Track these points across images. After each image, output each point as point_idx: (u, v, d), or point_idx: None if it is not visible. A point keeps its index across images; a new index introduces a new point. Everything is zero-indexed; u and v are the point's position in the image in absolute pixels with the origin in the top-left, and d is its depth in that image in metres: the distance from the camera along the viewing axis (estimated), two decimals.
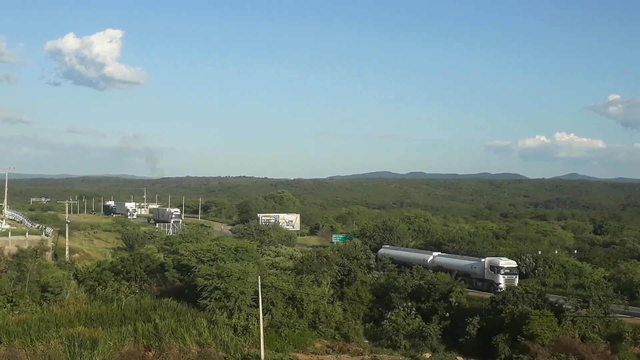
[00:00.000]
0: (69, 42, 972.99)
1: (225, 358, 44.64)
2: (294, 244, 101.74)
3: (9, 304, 51.33)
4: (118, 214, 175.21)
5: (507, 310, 48.69)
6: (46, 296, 54.06)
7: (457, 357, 48.13)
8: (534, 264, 73.78)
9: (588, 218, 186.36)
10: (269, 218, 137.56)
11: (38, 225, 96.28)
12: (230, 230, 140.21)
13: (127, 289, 55.51)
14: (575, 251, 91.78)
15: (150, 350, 44.76)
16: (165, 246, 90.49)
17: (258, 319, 45.70)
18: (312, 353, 47.51)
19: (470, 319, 49.82)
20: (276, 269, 64.05)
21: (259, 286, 46.54)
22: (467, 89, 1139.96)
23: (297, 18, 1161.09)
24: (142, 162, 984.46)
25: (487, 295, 57.82)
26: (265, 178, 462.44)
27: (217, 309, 49.79)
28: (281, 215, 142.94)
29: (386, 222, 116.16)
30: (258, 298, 46.17)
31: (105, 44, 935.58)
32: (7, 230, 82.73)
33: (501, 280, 63.14)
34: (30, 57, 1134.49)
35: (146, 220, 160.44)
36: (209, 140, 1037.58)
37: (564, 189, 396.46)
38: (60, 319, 47.77)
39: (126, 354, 43.61)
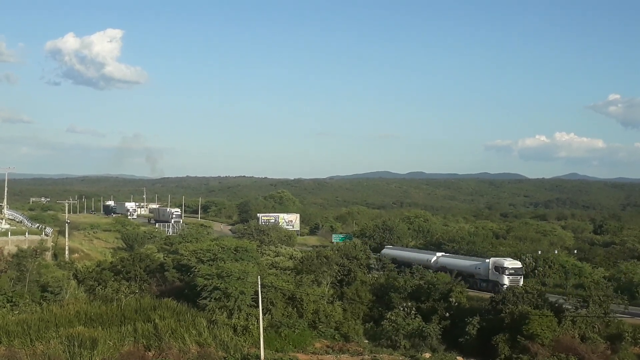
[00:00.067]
0: (69, 41, 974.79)
1: (225, 358, 44.64)
2: (293, 244, 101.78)
3: (8, 304, 51.35)
4: (118, 213, 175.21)
5: (507, 310, 48.69)
6: (46, 296, 54.04)
7: (457, 357, 48.13)
8: (534, 263, 73.80)
9: (588, 218, 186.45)
10: (268, 218, 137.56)
11: (38, 225, 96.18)
12: (230, 230, 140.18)
13: (127, 289, 55.50)
14: (575, 251, 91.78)
15: (150, 350, 44.76)
16: (165, 246, 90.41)
17: (258, 319, 45.69)
18: (312, 353, 47.51)
19: (470, 319, 49.81)
20: (276, 269, 63.97)
21: (259, 286, 46.54)
22: (467, 89, 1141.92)
23: (297, 18, 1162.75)
24: (142, 162, 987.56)
25: (487, 295, 57.75)
26: (265, 178, 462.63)
27: (217, 309, 49.76)
28: (281, 215, 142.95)
29: (386, 222, 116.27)
30: (258, 298, 46.17)
31: (105, 44, 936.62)
32: (7, 230, 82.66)
33: (506, 281, 62.56)
34: (30, 57, 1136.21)
35: (146, 220, 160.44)
36: (209, 140, 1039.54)
37: (564, 188, 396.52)
38: (60, 319, 47.74)
39: (126, 354, 43.61)
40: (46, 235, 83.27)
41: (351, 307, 56.14)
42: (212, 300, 50.09)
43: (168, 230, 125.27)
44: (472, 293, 60.44)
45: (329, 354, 47.54)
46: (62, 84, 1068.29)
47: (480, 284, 65.61)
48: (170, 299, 53.87)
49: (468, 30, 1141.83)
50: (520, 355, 45.09)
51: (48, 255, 73.63)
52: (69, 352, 42.27)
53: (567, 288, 62.22)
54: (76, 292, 57.02)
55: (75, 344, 42.71)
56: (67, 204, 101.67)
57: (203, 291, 50.66)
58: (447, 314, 52.69)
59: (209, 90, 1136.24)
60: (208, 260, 59.09)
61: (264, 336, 44.74)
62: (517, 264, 65.44)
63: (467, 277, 64.49)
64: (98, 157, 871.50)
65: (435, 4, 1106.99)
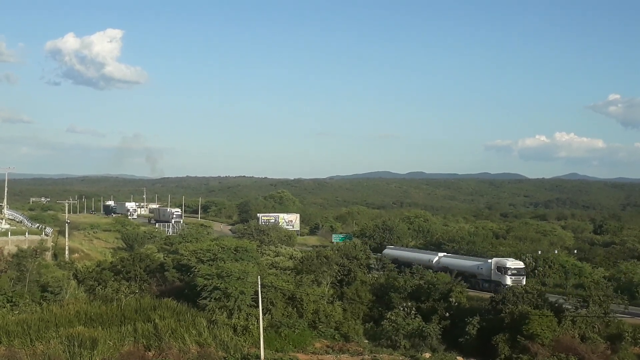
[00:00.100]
0: (69, 41, 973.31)
1: (225, 358, 44.64)
2: (293, 244, 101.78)
3: (8, 304, 51.35)
4: (118, 213, 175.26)
5: (507, 310, 48.69)
6: (46, 296, 54.04)
7: (457, 357, 48.13)
8: (534, 263, 73.74)
9: (588, 218, 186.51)
10: (268, 218, 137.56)
11: (38, 225, 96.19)
12: (230, 230, 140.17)
13: (127, 288, 55.49)
14: (575, 251, 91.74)
15: (150, 350, 44.76)
16: (165, 246, 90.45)
17: (258, 319, 45.68)
18: (312, 353, 47.51)
19: (470, 319, 49.79)
20: (276, 269, 63.99)
21: (259, 286, 46.54)
22: (467, 89, 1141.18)
23: (297, 18, 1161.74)
24: (142, 162, 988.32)
25: (488, 295, 57.67)
26: (265, 178, 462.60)
27: (216, 309, 49.76)
28: (281, 215, 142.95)
29: (386, 222, 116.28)
30: (258, 298, 46.16)
31: (105, 44, 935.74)
32: (7, 230, 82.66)
33: (508, 281, 62.02)
34: (30, 57, 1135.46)
35: (146, 220, 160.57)
36: (209, 140, 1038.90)
37: (564, 188, 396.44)
38: (60, 319, 47.75)
39: (126, 353, 43.62)
40: (46, 235, 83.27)
41: (351, 307, 56.14)
42: (212, 300, 50.08)
43: (168, 230, 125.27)
44: (472, 293, 60.34)
45: (329, 354, 47.54)
46: (62, 84, 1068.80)
47: (483, 285, 65.41)
48: (170, 299, 53.85)
49: (468, 30, 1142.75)
50: (520, 355, 45.09)
51: (48, 255, 73.65)
52: (69, 352, 42.28)
53: (567, 288, 62.23)
54: (76, 292, 57.03)
55: (75, 344, 42.71)
56: (67, 204, 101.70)
57: (203, 291, 50.65)
58: (447, 314, 52.67)
59: (209, 90, 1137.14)
60: (208, 260, 59.08)
61: (264, 336, 44.73)
62: (520, 264, 65.15)
63: (469, 278, 64.41)
64: (98, 157, 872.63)
65: (435, 4, 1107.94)
